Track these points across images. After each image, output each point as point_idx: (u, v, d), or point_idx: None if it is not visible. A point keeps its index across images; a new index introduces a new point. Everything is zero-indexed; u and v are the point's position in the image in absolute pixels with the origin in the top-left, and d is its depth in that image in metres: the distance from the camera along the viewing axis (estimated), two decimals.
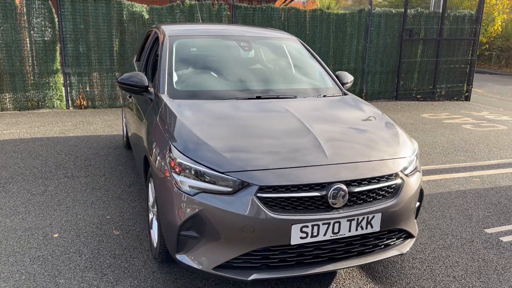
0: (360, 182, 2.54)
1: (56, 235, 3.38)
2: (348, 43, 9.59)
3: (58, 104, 8.11)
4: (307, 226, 2.41)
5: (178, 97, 3.23)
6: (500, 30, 19.88)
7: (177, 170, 2.53)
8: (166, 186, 2.58)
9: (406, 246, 2.80)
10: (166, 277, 2.88)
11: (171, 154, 2.60)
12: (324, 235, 2.47)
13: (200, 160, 2.50)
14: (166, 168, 2.61)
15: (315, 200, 2.44)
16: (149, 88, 3.40)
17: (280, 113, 3.07)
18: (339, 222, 2.47)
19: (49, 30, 7.77)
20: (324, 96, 3.53)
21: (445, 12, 10.12)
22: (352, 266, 2.60)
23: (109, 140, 6.01)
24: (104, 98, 8.35)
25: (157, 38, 4.25)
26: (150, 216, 3.21)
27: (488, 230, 3.65)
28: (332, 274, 2.93)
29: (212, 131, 2.72)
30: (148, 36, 5.04)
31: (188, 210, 2.46)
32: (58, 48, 7.92)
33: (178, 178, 2.52)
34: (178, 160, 2.54)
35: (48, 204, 3.91)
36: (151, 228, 3.20)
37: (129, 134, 4.58)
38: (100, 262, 3.02)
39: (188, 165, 2.50)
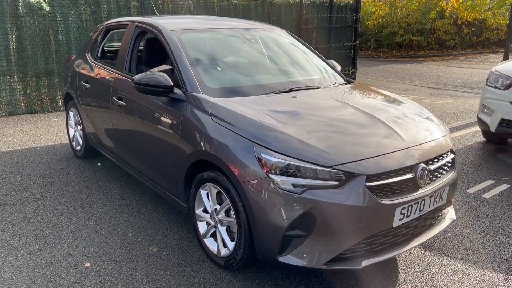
0: (433, 160, 2.77)
1: (88, 264, 2.94)
2: None
3: None
4: (404, 208, 2.56)
5: (216, 95, 3.04)
6: None
7: (273, 170, 2.44)
8: (262, 188, 2.47)
9: (452, 212, 3.13)
10: (248, 284, 2.76)
11: (262, 154, 2.49)
12: (414, 213, 2.64)
13: (300, 157, 2.45)
14: (256, 170, 2.49)
15: (407, 182, 2.59)
16: (174, 88, 3.13)
17: (333, 103, 3.13)
18: (424, 200, 2.67)
19: None
20: (338, 84, 3.67)
21: (333, 2, 10.99)
22: (429, 238, 2.82)
23: (50, 151, 5.25)
24: (2, 105, 7.19)
25: (140, 33, 3.89)
26: (204, 225, 3.02)
27: (470, 191, 4.24)
28: None
29: (290, 127, 2.66)
30: (109, 31, 4.56)
31: (296, 209, 2.40)
32: None
33: (278, 178, 2.43)
34: (275, 159, 2.45)
35: (44, 232, 3.34)
36: (205, 238, 3.01)
37: (110, 142, 4.10)
38: (165, 283, 2.74)
39: (288, 164, 2.43)
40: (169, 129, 3.13)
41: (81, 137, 4.85)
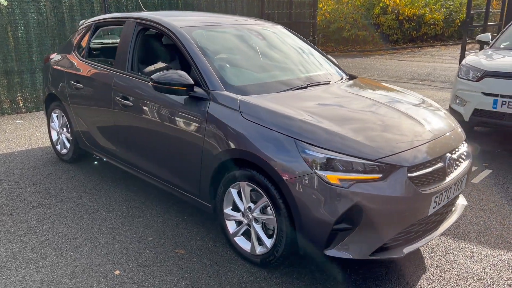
0: (455, 150, 2.92)
1: (117, 271, 2.82)
2: None
3: None
4: (437, 196, 2.69)
5: (238, 92, 3.02)
6: None
7: (318, 165, 2.47)
8: (308, 184, 2.49)
9: (463, 198, 3.32)
10: (287, 279, 2.78)
11: (306, 150, 2.51)
12: (443, 201, 2.78)
13: (345, 152, 2.50)
14: (300, 166, 2.50)
15: (438, 171, 2.72)
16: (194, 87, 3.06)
17: (353, 98, 3.20)
18: (451, 188, 2.81)
19: None
20: (345, 79, 3.74)
21: None
22: (451, 225, 2.98)
23: (30, 156, 4.93)
24: None
25: (142, 30, 3.75)
26: (233, 223, 3.00)
27: None
28: None
29: (327, 121, 2.69)
30: (98, 28, 4.35)
31: (345, 203, 2.45)
32: None
33: (325, 173, 2.47)
34: (320, 155, 2.49)
35: (57, 242, 3.15)
36: (235, 236, 2.99)
37: (110, 144, 3.93)
38: (205, 284, 2.70)
39: (332, 159, 2.47)
40: (192, 129, 3.06)
41: (68, 139, 4.60)
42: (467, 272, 2.88)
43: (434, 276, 2.83)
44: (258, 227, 2.85)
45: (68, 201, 3.80)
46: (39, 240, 3.17)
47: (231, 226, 3.02)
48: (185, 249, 3.09)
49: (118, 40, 4.32)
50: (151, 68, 3.89)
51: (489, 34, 6.85)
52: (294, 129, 2.62)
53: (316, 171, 2.48)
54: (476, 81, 5.49)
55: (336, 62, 4.21)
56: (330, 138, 2.56)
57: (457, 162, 2.94)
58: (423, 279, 2.81)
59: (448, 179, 2.78)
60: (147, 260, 2.95)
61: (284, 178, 2.55)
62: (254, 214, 2.84)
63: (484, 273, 2.87)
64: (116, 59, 3.84)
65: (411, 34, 21.44)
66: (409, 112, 3.03)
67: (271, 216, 2.72)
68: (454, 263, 2.98)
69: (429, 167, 2.65)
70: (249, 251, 2.92)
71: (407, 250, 2.62)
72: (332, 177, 2.47)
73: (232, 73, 3.30)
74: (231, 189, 2.93)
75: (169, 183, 3.42)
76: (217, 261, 2.95)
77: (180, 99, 3.16)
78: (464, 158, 3.09)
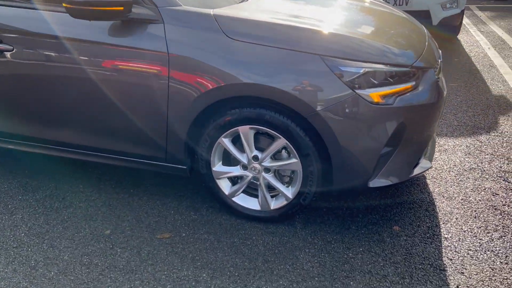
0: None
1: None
2: None
3: None
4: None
5: (196, 6, 2.20)
6: None
7: (356, 83, 1.99)
8: (349, 109, 2.00)
9: None
10: (314, 227, 2.32)
11: (340, 67, 1.98)
12: None
13: (382, 61, 2.06)
14: (336, 88, 1.98)
15: (439, 70, 2.51)
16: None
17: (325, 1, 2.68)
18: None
19: None
20: None
21: None
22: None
23: None
24: None
25: None
26: (226, 182, 2.36)
27: None
28: None
29: (341, 29, 2.16)
30: None
31: (392, 122, 2.06)
32: None
33: (366, 91, 2.00)
34: (356, 69, 1.99)
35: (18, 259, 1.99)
36: (233, 196, 2.36)
37: None
38: (234, 266, 2.06)
39: (367, 71, 2.00)
40: (144, 71, 2.14)
41: None
42: (456, 166, 2.88)
43: (436, 178, 2.74)
44: (271, 178, 2.25)
45: None
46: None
47: (225, 185, 2.34)
48: (167, 230, 2.30)
49: None
50: None
51: None
52: (315, 43, 2.03)
53: (356, 91, 1.98)
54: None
55: None
56: (361, 48, 2.07)
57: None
58: (430, 185, 2.68)
59: (440, 76, 2.60)
60: (130, 262, 2.09)
61: (316, 108, 1.98)
62: (265, 163, 2.21)
63: (469, 162, 2.91)
64: None
65: None
66: (395, 13, 2.71)
67: (294, 160, 2.15)
68: (440, 161, 2.94)
69: (438, 65, 2.41)
70: (259, 208, 2.32)
71: (431, 159, 2.42)
72: (374, 95, 2.01)
73: None
74: (223, 139, 2.20)
75: (108, 152, 2.44)
76: (221, 233, 2.28)
77: (105, 27, 2.16)
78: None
